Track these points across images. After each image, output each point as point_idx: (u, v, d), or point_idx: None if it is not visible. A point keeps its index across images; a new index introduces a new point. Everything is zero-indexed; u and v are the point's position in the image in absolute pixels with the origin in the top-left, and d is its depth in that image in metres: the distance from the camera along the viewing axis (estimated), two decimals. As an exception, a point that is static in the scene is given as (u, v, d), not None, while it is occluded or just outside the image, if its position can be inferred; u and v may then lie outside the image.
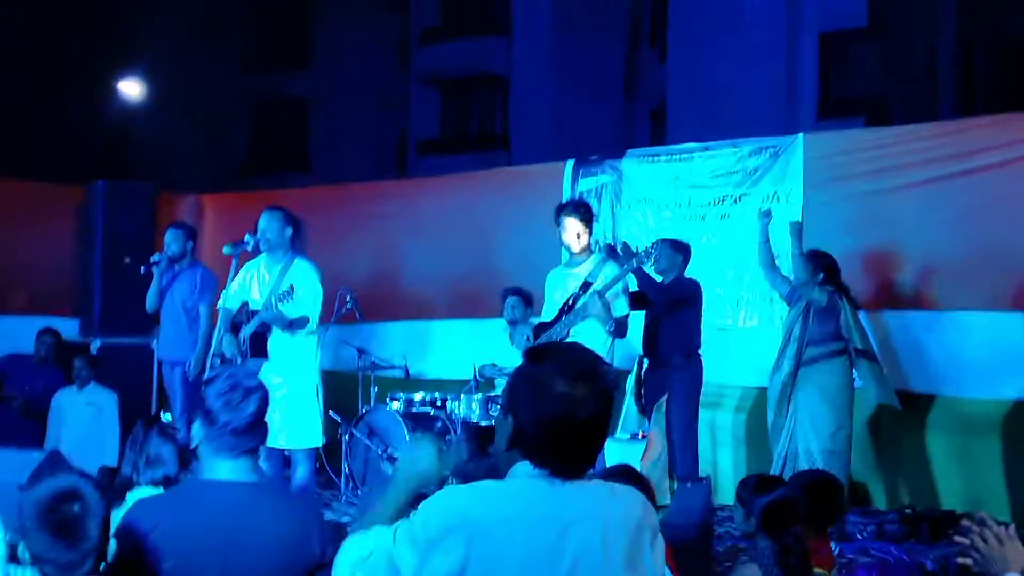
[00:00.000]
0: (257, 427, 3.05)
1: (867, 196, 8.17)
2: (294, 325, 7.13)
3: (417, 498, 2.51)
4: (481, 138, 25.29)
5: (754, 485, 4.23)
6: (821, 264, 7.29)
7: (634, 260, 6.84)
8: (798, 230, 7.52)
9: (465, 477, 3.44)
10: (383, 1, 26.40)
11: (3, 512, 3.85)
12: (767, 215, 7.58)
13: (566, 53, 23.76)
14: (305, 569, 3.00)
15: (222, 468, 3.01)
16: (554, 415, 2.38)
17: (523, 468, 2.43)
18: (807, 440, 7.17)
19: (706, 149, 8.92)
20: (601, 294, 6.59)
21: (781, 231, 7.79)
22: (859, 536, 6.87)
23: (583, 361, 2.47)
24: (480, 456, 3.44)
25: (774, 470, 7.11)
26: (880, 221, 8.12)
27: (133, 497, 3.59)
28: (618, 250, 7.28)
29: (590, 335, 6.56)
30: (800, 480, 4.49)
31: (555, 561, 2.34)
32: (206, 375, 7.33)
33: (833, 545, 5.28)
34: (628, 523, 2.42)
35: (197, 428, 3.05)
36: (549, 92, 23.74)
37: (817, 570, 4.13)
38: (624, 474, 4.29)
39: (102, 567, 2.68)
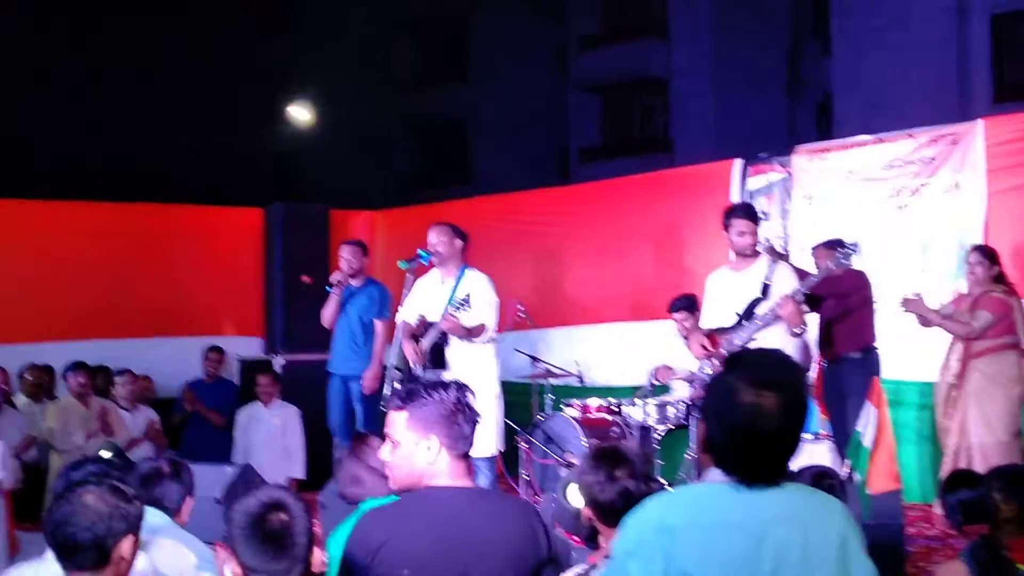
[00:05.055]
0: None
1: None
2: (472, 333, 7.26)
3: None
4: (643, 142, 25.15)
5: (950, 483, 4.09)
6: (997, 260, 7.16)
7: (833, 264, 6.67)
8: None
9: (598, 505, 3.42)
10: (539, 12, 26.58)
11: (201, 524, 4.03)
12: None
13: (726, 51, 23.47)
14: (536, 566, 3.03)
15: (453, 473, 3.04)
16: (739, 425, 2.34)
17: (717, 473, 2.40)
18: (979, 434, 6.97)
19: (880, 140, 8.67)
20: (794, 296, 6.43)
21: (962, 220, 7.51)
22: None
23: (774, 369, 2.41)
24: (612, 480, 3.39)
25: (945, 468, 6.91)
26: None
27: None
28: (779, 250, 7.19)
29: (771, 340, 6.42)
30: (1000, 475, 4.29)
31: (755, 567, 2.29)
32: (387, 388, 7.52)
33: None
34: (830, 529, 2.35)
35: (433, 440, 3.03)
36: (710, 91, 23.49)
37: (1020, 567, 3.95)
38: (822, 475, 4.20)
39: None
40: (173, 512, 3.88)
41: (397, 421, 3.07)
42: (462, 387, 3.12)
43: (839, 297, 7.27)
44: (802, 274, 6.84)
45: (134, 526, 2.87)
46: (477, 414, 3.12)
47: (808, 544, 2.30)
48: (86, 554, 2.78)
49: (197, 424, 9.84)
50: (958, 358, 7.17)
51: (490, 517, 3.02)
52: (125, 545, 2.83)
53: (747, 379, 2.34)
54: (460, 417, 3.05)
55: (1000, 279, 7.19)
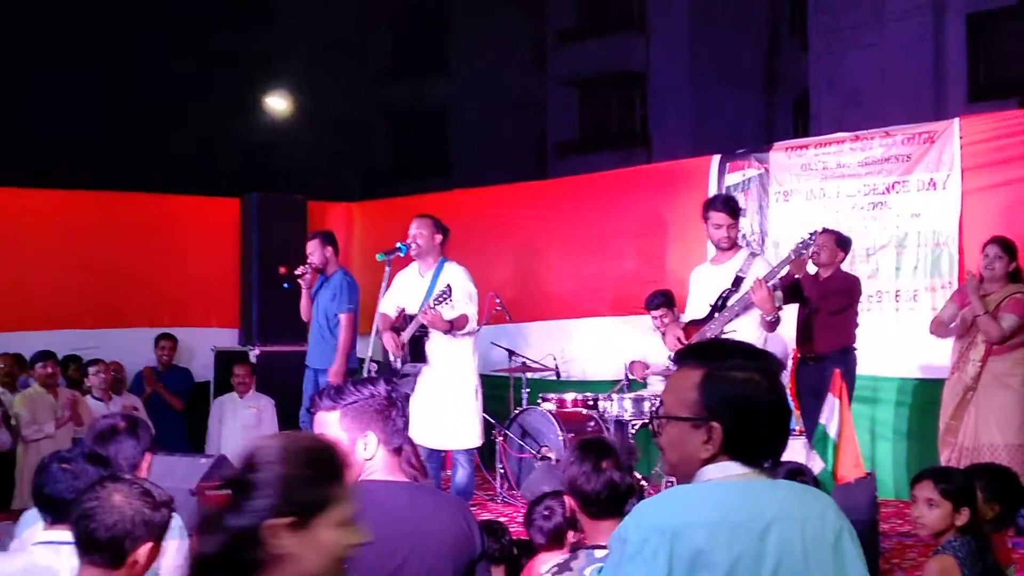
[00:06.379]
0: None
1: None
2: (455, 326, 7.25)
3: None
4: (621, 136, 25.17)
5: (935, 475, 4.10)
6: (1016, 254, 6.99)
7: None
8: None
9: (583, 495, 3.43)
10: (518, 5, 26.54)
11: (178, 516, 4.00)
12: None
13: (704, 47, 23.51)
14: (468, 562, 3.05)
15: (388, 468, 3.06)
16: (768, 411, 2.40)
17: (713, 471, 2.39)
18: (991, 434, 6.87)
19: (856, 138, 8.71)
20: (766, 281, 6.44)
21: (937, 218, 7.52)
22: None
23: (752, 352, 2.48)
24: (597, 471, 3.41)
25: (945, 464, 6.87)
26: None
27: None
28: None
29: (744, 331, 6.45)
30: (977, 473, 4.33)
31: (759, 563, 2.29)
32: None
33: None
34: (826, 525, 2.36)
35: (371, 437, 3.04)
36: (688, 87, 23.53)
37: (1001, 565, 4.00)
38: (796, 471, 4.23)
39: None
40: (131, 468, 3.82)
41: (330, 421, 3.05)
42: (391, 381, 3.14)
43: (831, 296, 7.28)
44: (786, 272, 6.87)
45: (156, 534, 2.84)
46: (408, 407, 3.16)
47: (806, 540, 2.32)
48: (101, 552, 2.76)
49: (154, 411, 9.82)
50: (979, 359, 6.96)
51: (428, 512, 3.05)
52: (142, 551, 2.80)
53: (756, 369, 2.42)
54: (394, 412, 3.07)
55: (1016, 274, 6.99)
